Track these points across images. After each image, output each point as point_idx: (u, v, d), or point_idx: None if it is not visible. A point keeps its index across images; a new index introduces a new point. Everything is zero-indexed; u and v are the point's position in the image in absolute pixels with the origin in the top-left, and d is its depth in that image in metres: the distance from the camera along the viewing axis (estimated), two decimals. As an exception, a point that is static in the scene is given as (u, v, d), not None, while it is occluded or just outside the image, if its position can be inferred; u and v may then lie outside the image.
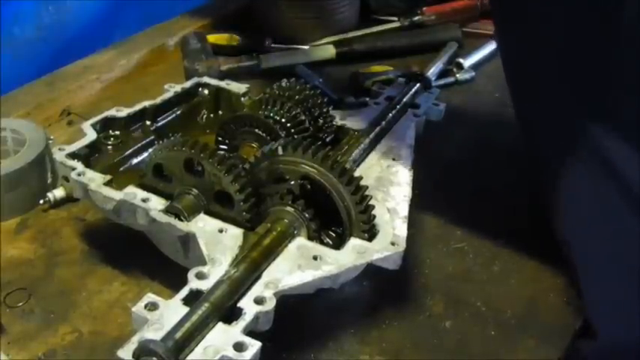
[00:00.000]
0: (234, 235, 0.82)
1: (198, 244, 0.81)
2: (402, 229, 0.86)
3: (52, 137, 1.13)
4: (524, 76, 0.96)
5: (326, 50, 1.49)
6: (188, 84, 1.12)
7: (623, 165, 0.86)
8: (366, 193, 0.85)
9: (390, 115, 1.08)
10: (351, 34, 1.56)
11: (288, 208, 0.86)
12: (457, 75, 1.44)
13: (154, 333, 0.67)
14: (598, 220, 0.90)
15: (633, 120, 0.86)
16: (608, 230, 0.89)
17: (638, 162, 0.85)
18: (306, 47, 1.52)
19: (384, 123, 1.06)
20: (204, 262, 0.78)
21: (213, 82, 1.14)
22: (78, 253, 0.99)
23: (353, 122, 1.08)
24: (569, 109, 0.90)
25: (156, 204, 0.86)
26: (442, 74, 1.44)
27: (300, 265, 0.79)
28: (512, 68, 0.99)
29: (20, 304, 0.91)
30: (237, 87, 1.13)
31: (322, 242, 0.87)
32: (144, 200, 0.86)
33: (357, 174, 0.87)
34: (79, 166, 0.91)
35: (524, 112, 0.99)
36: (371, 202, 0.85)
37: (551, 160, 0.94)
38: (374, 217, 0.85)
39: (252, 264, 0.77)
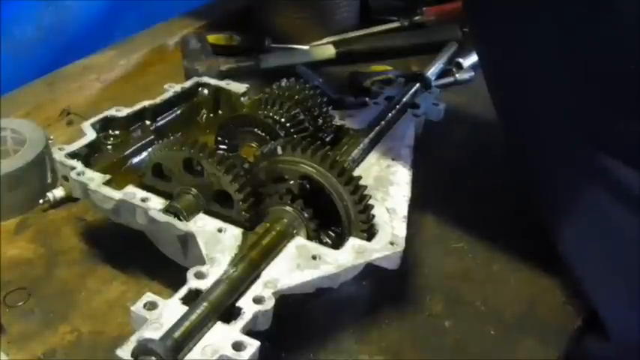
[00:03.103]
0: (233, 234, 0.82)
1: (198, 244, 0.81)
2: (401, 229, 0.86)
3: (51, 137, 1.13)
4: (509, 86, 0.93)
5: (326, 50, 1.49)
6: (188, 84, 1.12)
7: (619, 170, 0.84)
8: (365, 192, 0.85)
9: (390, 115, 1.08)
10: (351, 34, 1.56)
11: (288, 208, 0.86)
12: (457, 75, 1.44)
13: (152, 332, 0.68)
14: (597, 225, 0.89)
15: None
16: (609, 235, 0.88)
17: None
18: (306, 47, 1.52)
19: (383, 123, 1.06)
20: (203, 262, 0.78)
21: (213, 82, 1.14)
22: (78, 253, 1.00)
23: (352, 122, 1.08)
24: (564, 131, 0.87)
25: (155, 203, 0.86)
26: (442, 74, 1.44)
27: (299, 264, 0.79)
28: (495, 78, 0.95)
29: (20, 303, 0.91)
30: (237, 87, 1.13)
31: (321, 242, 0.87)
32: (143, 200, 0.86)
33: (356, 174, 0.87)
34: (78, 165, 0.91)
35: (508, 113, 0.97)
36: (370, 202, 0.85)
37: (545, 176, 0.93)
38: (373, 216, 0.85)
39: (251, 263, 0.77)
